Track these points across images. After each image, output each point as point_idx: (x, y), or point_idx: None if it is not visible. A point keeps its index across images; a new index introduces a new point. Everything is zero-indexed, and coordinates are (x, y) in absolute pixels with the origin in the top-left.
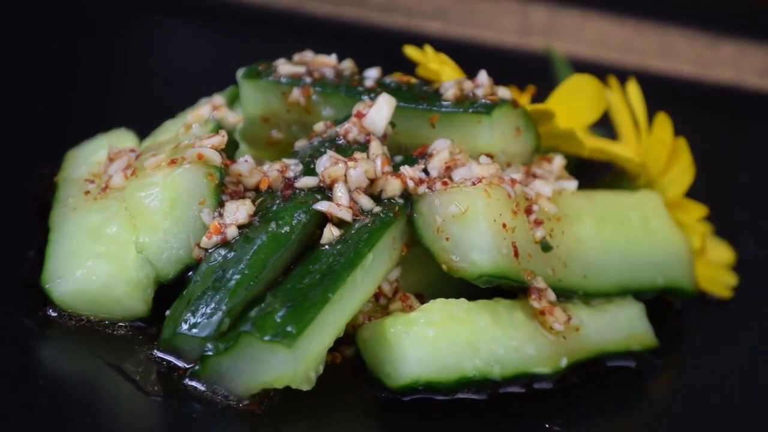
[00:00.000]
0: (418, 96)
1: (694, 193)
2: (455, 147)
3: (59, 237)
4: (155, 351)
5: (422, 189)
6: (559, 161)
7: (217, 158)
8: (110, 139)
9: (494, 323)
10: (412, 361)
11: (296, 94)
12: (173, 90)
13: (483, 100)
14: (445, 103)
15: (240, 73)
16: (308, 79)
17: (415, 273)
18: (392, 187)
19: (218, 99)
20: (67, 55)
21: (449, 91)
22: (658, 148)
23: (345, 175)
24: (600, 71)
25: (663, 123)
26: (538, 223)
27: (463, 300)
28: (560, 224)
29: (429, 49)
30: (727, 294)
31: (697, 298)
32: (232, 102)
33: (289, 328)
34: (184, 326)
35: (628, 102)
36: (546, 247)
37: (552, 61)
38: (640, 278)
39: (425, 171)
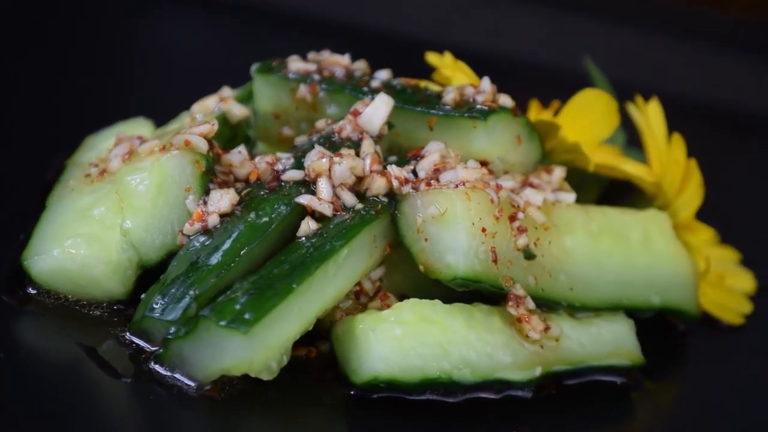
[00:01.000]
0: (420, 99)
1: (724, 219)
2: (448, 150)
3: (49, 216)
4: (127, 333)
5: (407, 189)
6: (558, 173)
7: (203, 145)
8: (127, 127)
9: (468, 327)
10: (375, 358)
11: (303, 90)
12: (198, 82)
13: (481, 106)
14: (443, 106)
15: (254, 68)
16: (316, 77)
17: (401, 274)
18: (377, 185)
19: (226, 91)
20: (98, 44)
21: (449, 96)
22: (672, 169)
23: (329, 170)
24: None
25: (677, 144)
26: (521, 230)
27: (437, 301)
28: (548, 234)
29: (448, 56)
30: (738, 321)
31: (708, 322)
32: (248, 98)
33: (246, 316)
34: (153, 310)
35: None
36: (529, 255)
37: (590, 76)
38: (634, 296)
39: (414, 172)
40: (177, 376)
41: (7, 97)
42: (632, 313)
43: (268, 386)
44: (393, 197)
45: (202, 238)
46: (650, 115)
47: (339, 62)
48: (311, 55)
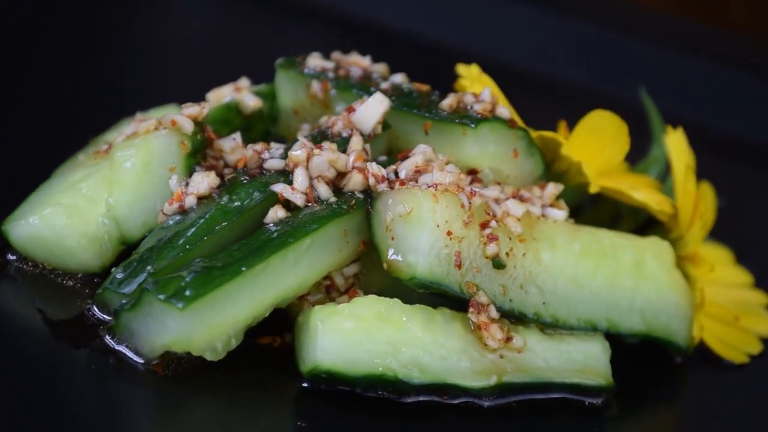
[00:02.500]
0: (420, 103)
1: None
2: (436, 154)
3: (44, 186)
4: (92, 305)
5: (382, 187)
6: (551, 189)
7: (188, 126)
8: (157, 113)
9: (425, 329)
10: (318, 348)
11: (315, 87)
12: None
13: (475, 114)
14: (438, 111)
15: (277, 62)
16: (331, 75)
17: (379, 273)
18: (354, 181)
19: (243, 81)
20: (143, 33)
21: (446, 101)
22: (685, 200)
23: (307, 162)
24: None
25: (689, 174)
26: (491, 238)
27: (396, 300)
28: (524, 246)
29: (475, 68)
30: (742, 360)
31: (709, 357)
32: (272, 93)
33: (187, 292)
34: (112, 282)
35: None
36: (498, 264)
37: (646, 108)
38: (616, 319)
39: (396, 173)
40: (126, 349)
41: (54, 81)
42: (618, 337)
43: (217, 368)
44: (370, 194)
45: (177, 218)
46: (672, 144)
47: (358, 63)
48: (335, 55)
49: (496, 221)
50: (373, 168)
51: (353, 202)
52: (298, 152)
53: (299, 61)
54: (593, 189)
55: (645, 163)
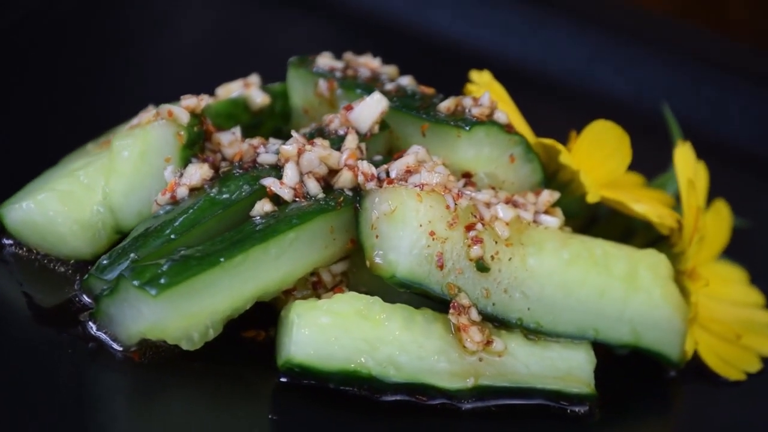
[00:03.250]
0: (419, 105)
1: None
2: (429, 156)
3: (46, 173)
4: (79, 291)
5: (371, 185)
6: (545, 196)
7: (184, 117)
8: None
9: (404, 328)
10: (292, 342)
11: (322, 86)
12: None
13: (471, 118)
14: (436, 113)
15: (290, 60)
16: (338, 74)
17: (368, 272)
18: (344, 178)
19: (253, 77)
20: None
21: (444, 104)
22: (688, 214)
23: (298, 157)
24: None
25: (691, 189)
26: (476, 240)
27: (377, 298)
28: (510, 250)
29: (486, 75)
30: (738, 377)
31: (706, 372)
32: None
33: (162, 280)
34: (97, 269)
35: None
36: (482, 267)
37: (667, 122)
38: (604, 328)
39: (388, 172)
40: (105, 335)
41: (73, 72)
42: (607, 347)
43: (197, 358)
44: (359, 192)
45: (168, 208)
46: (678, 158)
47: (368, 64)
48: (346, 55)
49: (483, 224)
50: (364, 166)
51: (341, 199)
52: (288, 147)
53: (311, 59)
54: (591, 198)
55: (663, 178)
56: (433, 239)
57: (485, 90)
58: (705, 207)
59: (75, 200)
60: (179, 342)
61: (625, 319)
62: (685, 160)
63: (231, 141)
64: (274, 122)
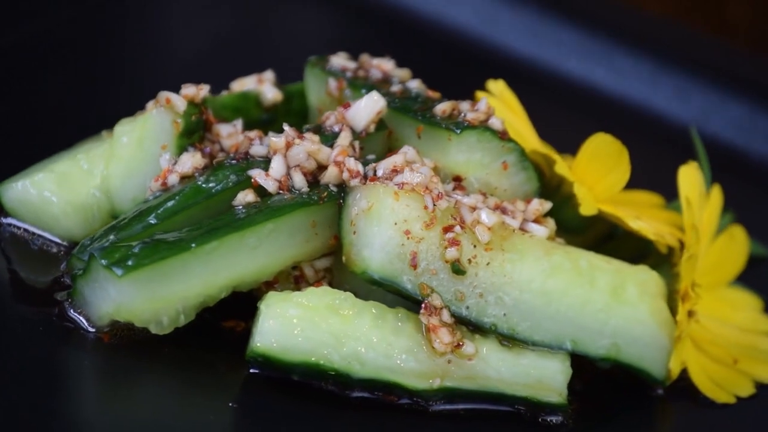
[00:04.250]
0: (418, 107)
1: None
2: (420, 157)
3: (57, 155)
4: (64, 272)
5: (355, 182)
6: (535, 204)
7: (181, 105)
8: None
9: (374, 326)
10: (258, 332)
11: (332, 85)
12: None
13: (464, 122)
14: (431, 116)
15: (309, 59)
16: (348, 74)
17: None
18: (329, 174)
19: (267, 74)
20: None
21: (440, 107)
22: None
23: (286, 150)
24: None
25: (687, 208)
26: (452, 242)
27: (349, 294)
28: (489, 255)
29: (501, 84)
30: (727, 400)
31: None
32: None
33: (129, 262)
34: (79, 249)
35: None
36: (457, 269)
37: (694, 143)
38: (583, 340)
39: (375, 170)
40: (79, 316)
41: (95, 64)
42: (589, 360)
43: (169, 343)
44: (344, 189)
45: (158, 194)
46: (681, 177)
47: (380, 66)
48: (363, 56)
49: (462, 227)
50: (350, 163)
51: (325, 194)
52: (277, 139)
53: (327, 59)
54: (584, 210)
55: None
56: (408, 238)
57: (497, 98)
58: (714, 229)
59: (72, 182)
60: (148, 325)
61: (606, 333)
62: (689, 179)
63: (230, 133)
64: (290, 120)
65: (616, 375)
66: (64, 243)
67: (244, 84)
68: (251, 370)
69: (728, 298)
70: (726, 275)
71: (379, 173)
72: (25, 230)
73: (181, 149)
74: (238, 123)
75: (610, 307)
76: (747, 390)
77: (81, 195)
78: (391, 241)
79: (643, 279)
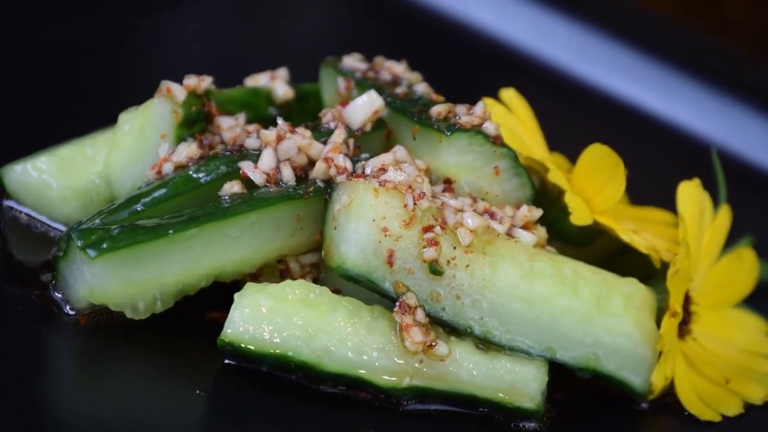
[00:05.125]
0: (416, 109)
1: None
2: (410, 158)
3: (66, 142)
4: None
5: (341, 178)
6: (523, 210)
7: (180, 95)
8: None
9: (348, 322)
10: (228, 321)
11: (341, 85)
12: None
13: (455, 124)
14: (426, 117)
15: (325, 59)
16: (357, 75)
17: None
18: (317, 169)
19: (281, 71)
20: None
21: (436, 109)
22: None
23: (277, 143)
24: None
25: (681, 225)
26: (431, 242)
27: (325, 289)
28: (468, 258)
29: (511, 92)
30: (712, 418)
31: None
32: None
33: (104, 244)
34: (66, 232)
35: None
36: (435, 270)
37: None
38: (560, 349)
39: (364, 168)
40: (60, 297)
41: (121, 57)
42: (569, 369)
43: (147, 329)
44: (331, 184)
45: (152, 182)
46: (680, 194)
47: (391, 68)
48: (377, 59)
49: (443, 228)
50: (338, 159)
51: (311, 189)
52: (268, 132)
53: (341, 59)
54: (575, 220)
55: None
56: (386, 236)
57: (494, 104)
58: (718, 249)
59: (73, 167)
60: (123, 309)
61: (587, 342)
62: (688, 196)
63: (231, 126)
64: (304, 119)
65: (601, 387)
66: (63, 228)
67: (257, 80)
68: (226, 361)
69: (732, 319)
70: (731, 296)
71: (368, 171)
72: (26, 214)
73: (180, 139)
74: (241, 117)
75: (593, 317)
76: (735, 409)
77: (81, 181)
78: (368, 238)
79: (630, 291)
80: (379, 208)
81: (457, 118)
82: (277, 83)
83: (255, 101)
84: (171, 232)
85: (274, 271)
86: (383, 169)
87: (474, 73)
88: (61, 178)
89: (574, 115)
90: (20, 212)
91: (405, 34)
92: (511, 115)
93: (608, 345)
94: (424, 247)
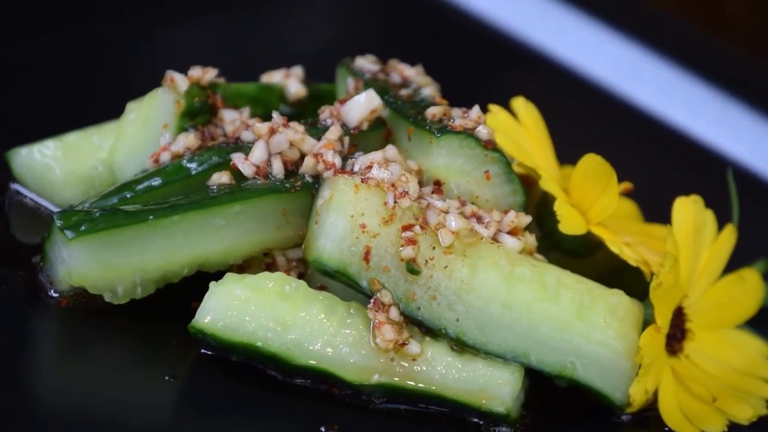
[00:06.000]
0: (414, 111)
1: None
2: (401, 157)
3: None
4: None
5: (328, 173)
6: (511, 216)
7: (183, 85)
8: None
9: (322, 316)
10: (202, 308)
11: (350, 85)
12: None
13: (446, 126)
14: (420, 119)
15: (343, 60)
16: (366, 76)
17: None
18: (306, 164)
19: (296, 70)
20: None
21: (431, 110)
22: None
23: (269, 136)
24: None
25: (670, 241)
26: (409, 241)
27: (303, 282)
28: (447, 259)
29: (521, 99)
30: None
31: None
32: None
33: (83, 227)
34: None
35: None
36: (411, 269)
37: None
38: (536, 356)
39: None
40: (45, 278)
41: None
42: (546, 377)
43: (127, 314)
44: (319, 180)
45: (149, 170)
46: (675, 210)
47: (403, 71)
48: (392, 61)
49: (423, 228)
50: (327, 155)
51: (299, 183)
52: (261, 125)
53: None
54: (564, 228)
55: None
56: (364, 232)
57: (499, 111)
58: (719, 269)
59: (78, 153)
60: (101, 293)
61: (564, 350)
62: (683, 212)
63: (233, 119)
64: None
65: (581, 397)
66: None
67: (272, 77)
68: (202, 350)
69: (731, 340)
70: (731, 317)
71: (356, 168)
72: (32, 199)
73: (181, 129)
74: (245, 111)
75: (573, 326)
76: (718, 428)
77: (84, 167)
78: (345, 233)
79: (614, 303)
80: (359, 204)
81: (452, 120)
82: (291, 81)
83: (266, 97)
84: (151, 217)
85: (261, 264)
86: (370, 167)
87: (509, 78)
88: (64, 163)
89: (601, 122)
90: (26, 197)
91: (435, 38)
92: (515, 123)
93: (587, 354)
94: (402, 246)
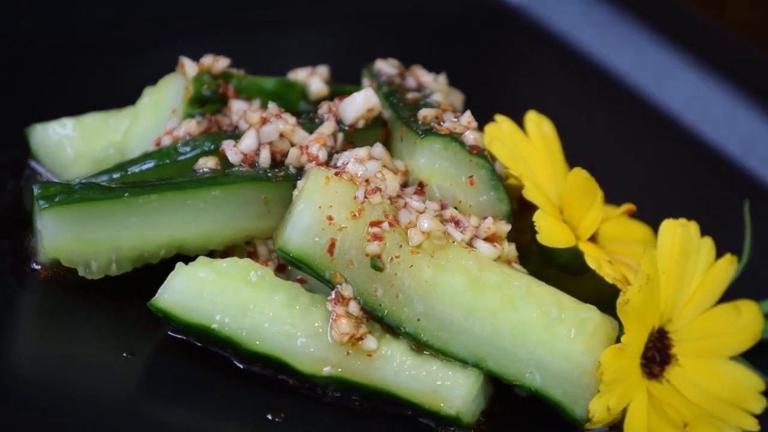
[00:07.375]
0: (409, 113)
1: None
2: (387, 156)
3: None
4: None
5: (310, 165)
6: (488, 222)
7: (191, 71)
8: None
9: (284, 305)
10: (163, 287)
11: (365, 85)
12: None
13: (431, 128)
14: (412, 120)
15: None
16: (382, 78)
17: None
18: (291, 155)
19: (321, 69)
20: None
21: (423, 112)
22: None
23: (260, 126)
24: None
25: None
26: (375, 237)
27: (269, 270)
28: (414, 258)
29: (533, 113)
30: None
31: None
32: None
33: (57, 198)
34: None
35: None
36: (375, 265)
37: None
38: (496, 363)
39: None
40: (31, 249)
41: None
42: (509, 386)
43: (101, 291)
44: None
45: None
46: (661, 231)
47: (420, 77)
48: (413, 67)
49: (391, 225)
50: (312, 148)
51: (281, 173)
52: (253, 114)
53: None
54: (541, 239)
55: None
56: (330, 224)
57: (504, 122)
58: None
59: (92, 133)
60: (75, 266)
61: (526, 360)
62: (669, 234)
63: (239, 110)
64: None
65: (545, 409)
66: None
67: (296, 74)
68: (169, 332)
69: (722, 370)
70: (723, 347)
71: (339, 162)
72: (45, 176)
73: (188, 116)
74: (255, 103)
75: (536, 335)
76: None
77: (96, 148)
78: (311, 223)
79: (584, 318)
80: (328, 196)
81: (440, 123)
82: (313, 79)
83: (287, 93)
84: (126, 194)
85: (243, 252)
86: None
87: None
88: (77, 142)
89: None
90: (40, 174)
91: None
92: (521, 135)
93: (549, 366)
94: (368, 241)
